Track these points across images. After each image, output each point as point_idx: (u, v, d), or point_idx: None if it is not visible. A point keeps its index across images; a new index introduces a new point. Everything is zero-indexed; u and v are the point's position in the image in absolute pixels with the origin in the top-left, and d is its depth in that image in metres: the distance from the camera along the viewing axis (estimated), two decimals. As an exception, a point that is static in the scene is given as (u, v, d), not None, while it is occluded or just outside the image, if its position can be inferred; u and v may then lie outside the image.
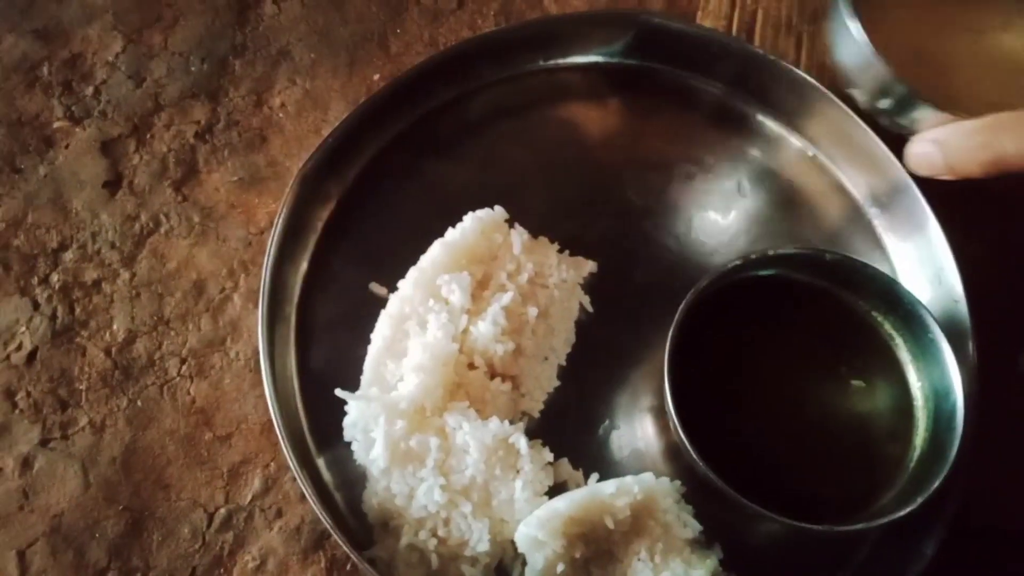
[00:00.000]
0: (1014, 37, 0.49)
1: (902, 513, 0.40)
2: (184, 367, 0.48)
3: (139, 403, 0.47)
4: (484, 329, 0.46)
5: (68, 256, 0.50)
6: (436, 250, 0.48)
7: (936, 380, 0.44)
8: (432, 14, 0.59)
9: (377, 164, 0.53)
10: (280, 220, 0.48)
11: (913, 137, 0.41)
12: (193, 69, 0.55)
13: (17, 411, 0.47)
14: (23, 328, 0.48)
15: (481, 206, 0.50)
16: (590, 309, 0.50)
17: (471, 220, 0.49)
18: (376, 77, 0.56)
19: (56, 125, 0.53)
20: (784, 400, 0.46)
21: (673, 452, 0.48)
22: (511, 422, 0.45)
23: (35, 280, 0.49)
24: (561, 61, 0.57)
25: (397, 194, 0.52)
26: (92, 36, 0.56)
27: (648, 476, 0.44)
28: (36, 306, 0.49)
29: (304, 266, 0.50)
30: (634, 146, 0.56)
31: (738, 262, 0.44)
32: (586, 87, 0.57)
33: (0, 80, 0.54)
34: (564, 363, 0.49)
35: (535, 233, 0.51)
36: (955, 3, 0.50)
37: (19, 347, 0.48)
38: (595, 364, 0.50)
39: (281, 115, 0.55)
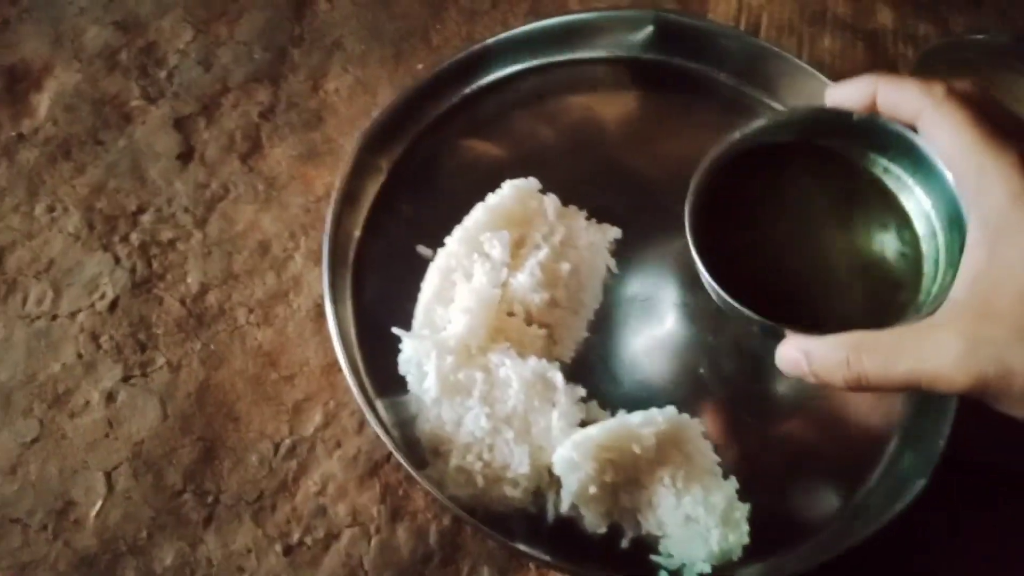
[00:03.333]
0: None
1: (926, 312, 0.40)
2: (251, 316, 0.53)
3: (212, 346, 0.52)
4: (522, 280, 0.52)
5: (146, 218, 0.56)
6: (479, 212, 0.54)
7: (945, 214, 0.43)
8: (469, 12, 0.66)
9: (421, 141, 0.58)
10: (338, 188, 0.53)
11: (785, 339, 0.41)
12: (256, 57, 0.61)
13: (101, 351, 0.52)
14: (106, 280, 0.54)
15: (516, 173, 0.55)
16: (615, 271, 0.56)
17: (509, 187, 0.55)
18: (420, 67, 0.63)
19: (134, 104, 0.59)
20: (799, 251, 0.46)
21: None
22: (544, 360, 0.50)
23: (116, 238, 0.55)
24: (585, 55, 0.64)
25: (439, 167, 0.58)
26: (165, 27, 0.62)
27: (671, 409, 0.49)
28: (117, 260, 0.54)
29: (357, 233, 0.55)
30: (653, 131, 0.62)
31: (760, 124, 0.45)
32: (609, 78, 0.63)
33: (85, 65, 0.60)
34: (592, 317, 0.55)
35: (564, 203, 0.56)
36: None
37: (102, 296, 0.53)
38: (619, 319, 0.55)
39: (335, 99, 0.61)
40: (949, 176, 0.42)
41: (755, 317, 0.41)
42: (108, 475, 0.49)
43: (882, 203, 0.47)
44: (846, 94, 0.42)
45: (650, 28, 0.62)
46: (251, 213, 0.56)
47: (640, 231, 0.57)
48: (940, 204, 0.44)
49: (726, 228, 0.45)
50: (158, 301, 0.53)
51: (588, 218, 0.57)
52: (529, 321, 0.53)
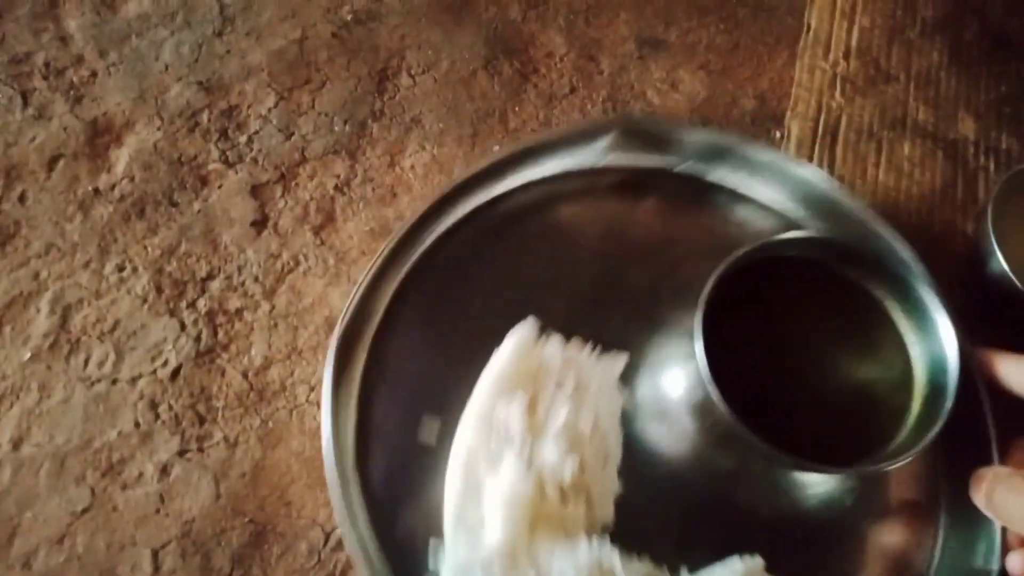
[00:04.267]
0: None
1: (887, 465, 0.44)
2: (312, 394, 0.52)
3: (270, 424, 0.51)
4: (548, 455, 0.47)
5: (215, 285, 0.55)
6: (485, 385, 0.49)
7: (933, 354, 0.48)
8: (547, 97, 0.66)
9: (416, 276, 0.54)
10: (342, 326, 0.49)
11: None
12: (336, 129, 0.61)
13: (159, 421, 0.51)
14: (170, 346, 0.53)
15: (511, 307, 0.52)
16: (629, 402, 0.51)
17: (510, 344, 0.50)
18: (496, 148, 0.62)
19: (211, 167, 0.59)
20: (796, 371, 0.50)
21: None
22: (593, 537, 0.46)
23: (184, 304, 0.54)
24: (554, 170, 0.59)
25: (432, 306, 0.54)
26: (248, 91, 0.62)
27: (734, 562, 0.46)
28: (183, 327, 0.54)
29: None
30: (645, 242, 0.58)
31: (764, 242, 0.48)
32: (586, 188, 0.59)
33: (165, 123, 0.60)
34: (619, 463, 0.49)
35: (567, 334, 0.52)
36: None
37: (165, 363, 0.52)
38: (645, 456, 0.50)
39: (410, 175, 0.60)
40: (942, 324, 0.47)
41: (764, 447, 0.42)
42: (155, 553, 0.47)
43: (881, 327, 0.50)
44: None
45: (611, 136, 0.58)
46: (320, 287, 0.56)
47: (640, 347, 0.53)
48: (926, 347, 0.48)
49: (732, 342, 0.46)
50: (220, 372, 0.52)
51: (592, 348, 0.52)
52: (564, 498, 0.47)
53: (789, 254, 0.50)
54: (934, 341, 0.48)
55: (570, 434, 0.48)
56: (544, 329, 0.52)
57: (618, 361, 0.52)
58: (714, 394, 0.43)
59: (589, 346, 0.52)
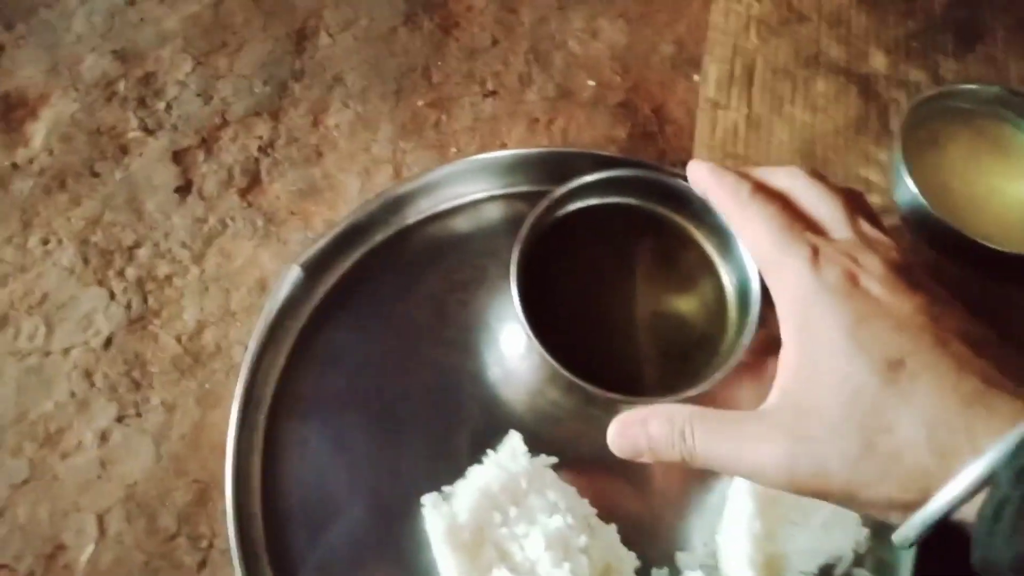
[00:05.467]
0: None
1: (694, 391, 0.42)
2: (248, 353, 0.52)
3: (207, 385, 0.52)
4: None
5: (142, 252, 0.55)
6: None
7: (739, 273, 0.47)
8: (469, 50, 0.66)
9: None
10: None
11: (619, 417, 0.40)
12: (256, 90, 0.61)
13: (95, 389, 0.51)
14: (100, 316, 0.53)
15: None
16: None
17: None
18: (420, 103, 0.63)
19: (131, 135, 0.58)
20: (617, 309, 0.48)
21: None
22: None
23: (111, 273, 0.54)
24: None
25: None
26: (164, 58, 0.61)
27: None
28: (112, 296, 0.53)
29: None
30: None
31: (555, 195, 0.47)
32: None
33: (82, 94, 0.59)
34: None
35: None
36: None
37: (96, 332, 0.52)
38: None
39: (335, 134, 0.61)
40: (744, 250, 0.45)
41: (590, 389, 0.41)
42: (100, 518, 0.48)
43: (697, 263, 0.49)
44: (692, 176, 0.44)
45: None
46: (250, 249, 0.56)
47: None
48: (735, 273, 0.47)
49: (550, 287, 0.46)
50: (153, 338, 0.53)
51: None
52: None
53: (607, 200, 0.49)
54: (739, 268, 0.47)
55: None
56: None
57: (547, 460, 0.49)
58: (525, 327, 0.43)
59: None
